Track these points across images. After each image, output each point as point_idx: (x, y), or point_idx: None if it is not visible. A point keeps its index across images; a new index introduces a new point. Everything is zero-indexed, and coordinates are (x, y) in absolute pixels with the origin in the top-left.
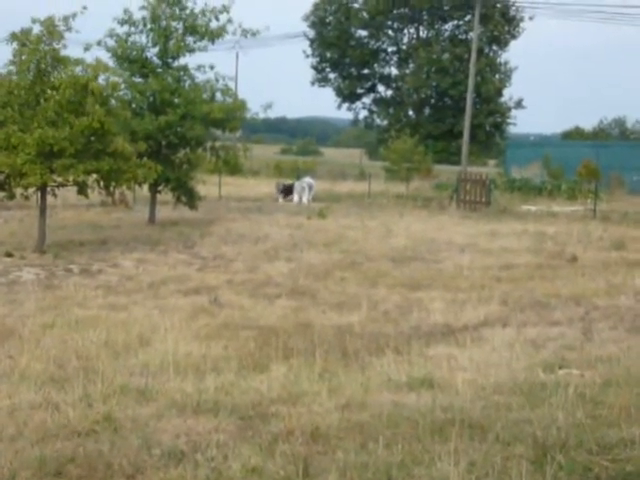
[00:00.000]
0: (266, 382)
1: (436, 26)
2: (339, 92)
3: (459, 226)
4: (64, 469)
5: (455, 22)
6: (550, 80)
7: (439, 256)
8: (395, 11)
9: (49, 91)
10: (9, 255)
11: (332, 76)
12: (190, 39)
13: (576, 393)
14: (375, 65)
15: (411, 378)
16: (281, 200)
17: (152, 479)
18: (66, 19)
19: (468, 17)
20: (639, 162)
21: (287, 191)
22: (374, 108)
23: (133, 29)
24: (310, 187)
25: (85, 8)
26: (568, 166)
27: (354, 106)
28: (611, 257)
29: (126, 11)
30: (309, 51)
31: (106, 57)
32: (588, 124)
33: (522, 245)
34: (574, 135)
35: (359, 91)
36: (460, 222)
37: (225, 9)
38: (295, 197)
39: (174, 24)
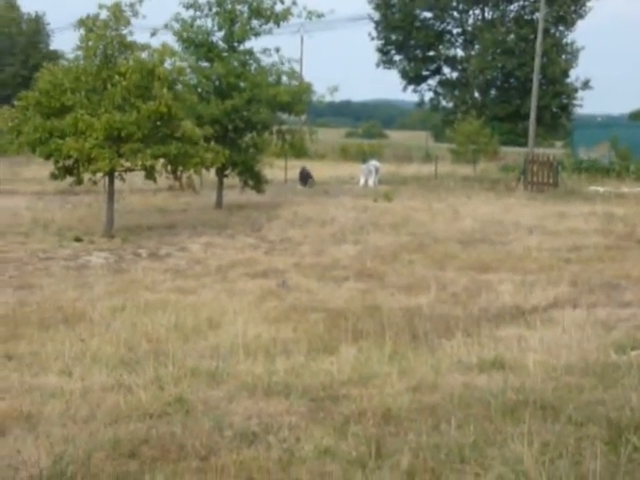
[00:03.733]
0: (336, 364)
1: (501, 7)
2: (404, 74)
3: (526, 208)
4: (138, 450)
5: (520, 2)
6: (617, 60)
7: (507, 238)
8: None
9: (116, 76)
10: (78, 240)
11: (397, 58)
12: (255, 22)
13: None
14: (440, 47)
15: (481, 360)
16: (299, 187)
17: (225, 460)
18: (132, 5)
19: None
20: None
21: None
22: (439, 90)
23: (199, 13)
24: (376, 170)
25: None
26: (637, 146)
27: (419, 88)
28: None
29: None
30: (374, 34)
31: (172, 41)
32: None
33: (590, 226)
34: None
35: (424, 73)
36: (527, 204)
37: None
38: (361, 180)
39: (239, 7)
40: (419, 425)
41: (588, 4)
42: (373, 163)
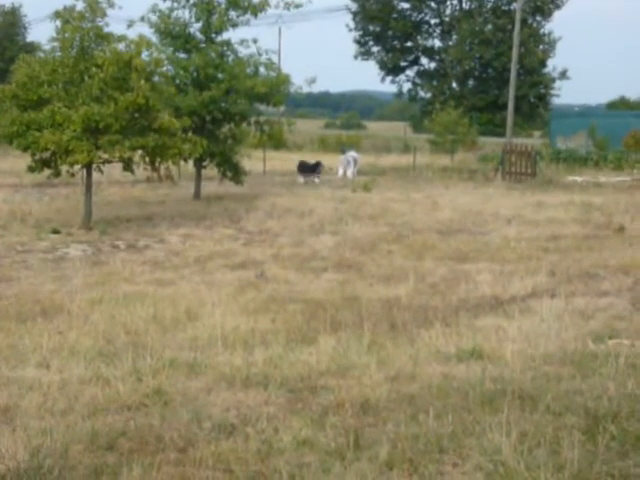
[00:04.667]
0: (315, 355)
1: None
2: (382, 65)
3: (505, 198)
4: (116, 443)
5: None
6: (594, 50)
7: (485, 228)
8: None
9: (93, 68)
10: (56, 232)
11: (375, 49)
12: (233, 13)
13: (627, 363)
14: (418, 37)
15: (460, 350)
16: (302, 180)
17: (203, 452)
18: None
19: None
20: None
21: (306, 169)
22: (418, 81)
23: (176, 4)
24: (355, 161)
25: None
26: (614, 136)
27: (397, 79)
28: None
29: None
30: (352, 25)
31: (149, 33)
32: (634, 94)
33: (569, 216)
34: (619, 105)
35: (402, 64)
36: (506, 194)
37: None
38: (340, 171)
39: None
40: (397, 415)
41: None
42: (351, 154)
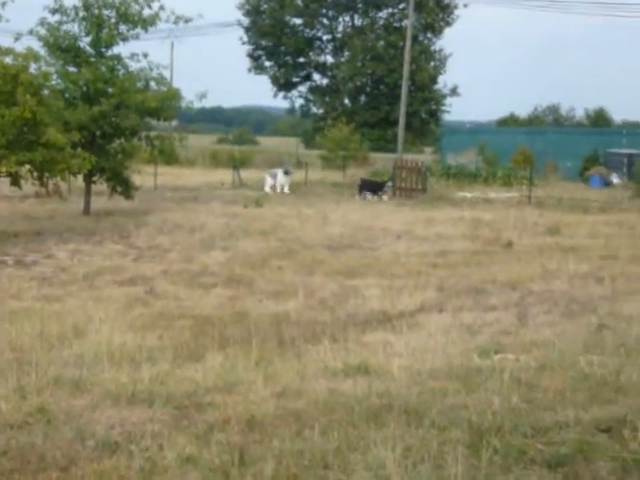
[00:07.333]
0: (201, 371)
1: (371, 14)
2: (275, 81)
3: (395, 213)
4: None
5: (389, 10)
6: (485, 68)
7: (375, 243)
8: None
9: None
10: None
11: (268, 64)
12: (123, 27)
13: (511, 377)
14: (310, 53)
15: (347, 365)
16: (370, 197)
17: (85, 470)
18: None
19: (402, 5)
20: (573, 149)
21: (370, 187)
22: (310, 96)
23: (65, 18)
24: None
25: None
26: (503, 153)
27: (290, 95)
28: (546, 242)
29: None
30: (245, 38)
31: (38, 46)
32: (523, 111)
33: (458, 232)
34: (509, 122)
35: (295, 79)
36: (396, 209)
37: None
38: (268, 184)
39: (106, 12)
40: (283, 431)
41: (456, 12)
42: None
